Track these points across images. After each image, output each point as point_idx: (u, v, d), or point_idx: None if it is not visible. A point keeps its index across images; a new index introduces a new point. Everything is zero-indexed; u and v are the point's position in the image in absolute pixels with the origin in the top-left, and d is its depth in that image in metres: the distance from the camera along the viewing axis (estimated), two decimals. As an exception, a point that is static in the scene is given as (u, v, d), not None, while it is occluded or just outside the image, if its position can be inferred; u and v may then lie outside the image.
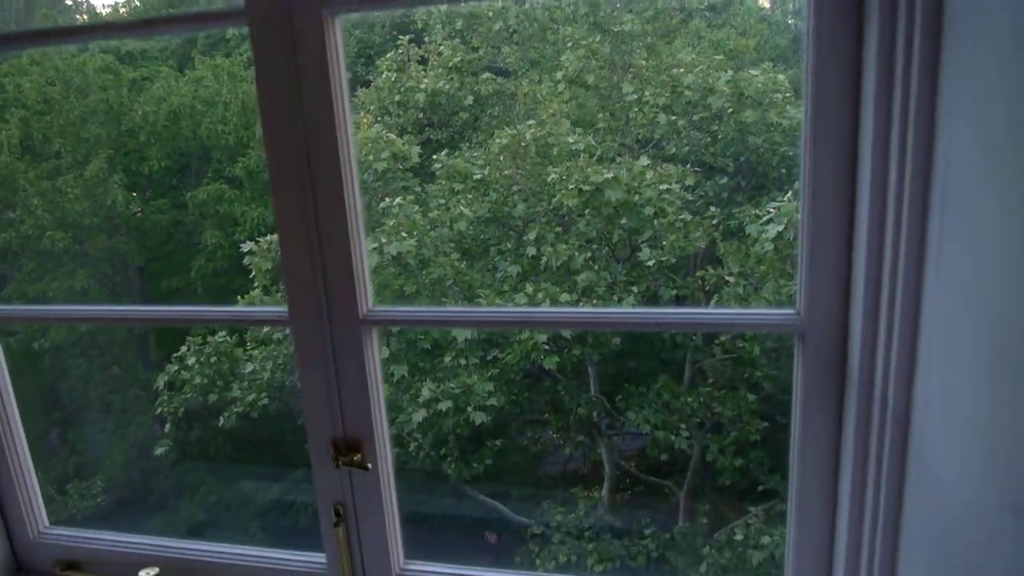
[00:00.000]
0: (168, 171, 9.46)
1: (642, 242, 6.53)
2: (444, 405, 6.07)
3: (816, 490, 1.30)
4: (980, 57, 0.83)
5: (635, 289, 6.44)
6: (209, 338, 7.47)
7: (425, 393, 6.20)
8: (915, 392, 1.04)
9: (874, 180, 1.06)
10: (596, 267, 6.44)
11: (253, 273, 6.92)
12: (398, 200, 6.53)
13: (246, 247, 6.90)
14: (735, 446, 6.60)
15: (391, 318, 1.54)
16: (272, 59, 1.30)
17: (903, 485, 1.09)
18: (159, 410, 7.58)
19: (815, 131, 1.15)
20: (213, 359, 7.33)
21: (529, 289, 6.28)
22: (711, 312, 1.37)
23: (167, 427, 7.62)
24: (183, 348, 7.49)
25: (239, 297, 6.94)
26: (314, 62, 1.28)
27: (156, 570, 1.63)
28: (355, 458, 1.46)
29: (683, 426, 6.59)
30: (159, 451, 7.71)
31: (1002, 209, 0.80)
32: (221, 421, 7.22)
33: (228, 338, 7.47)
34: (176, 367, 7.47)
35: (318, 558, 1.60)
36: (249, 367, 7.09)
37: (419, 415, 6.28)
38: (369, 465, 1.45)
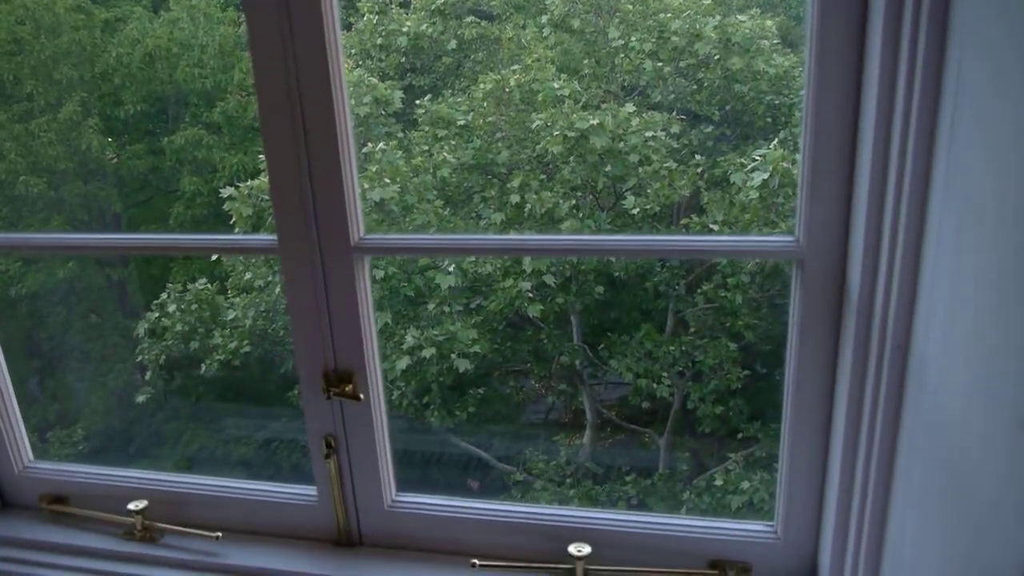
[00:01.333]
0: (144, 115, 9.25)
1: (626, 190, 6.50)
2: (428, 352, 6.08)
3: (811, 416, 1.30)
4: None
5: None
6: (190, 285, 7.41)
7: (409, 340, 6.20)
8: (916, 316, 1.03)
9: (880, 99, 1.04)
10: (580, 215, 6.41)
11: (233, 219, 6.83)
12: (380, 146, 6.44)
13: (225, 192, 6.80)
14: (715, 394, 6.67)
15: (383, 246, 1.51)
16: (258, -27, 1.24)
17: (900, 408, 1.09)
18: (140, 358, 7.53)
19: (820, 51, 1.11)
20: (194, 307, 7.28)
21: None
22: (711, 239, 1.36)
23: (148, 375, 7.59)
24: (163, 295, 7.43)
25: (220, 242, 6.83)
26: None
27: (144, 503, 1.62)
28: (346, 389, 1.44)
29: (665, 374, 6.65)
30: (140, 399, 7.68)
31: (1015, 129, 0.78)
32: (203, 369, 7.19)
33: (209, 285, 7.41)
34: (157, 315, 7.41)
35: (309, 491, 1.59)
36: (231, 314, 7.05)
37: (403, 362, 6.29)
38: (361, 396, 1.44)
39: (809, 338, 1.26)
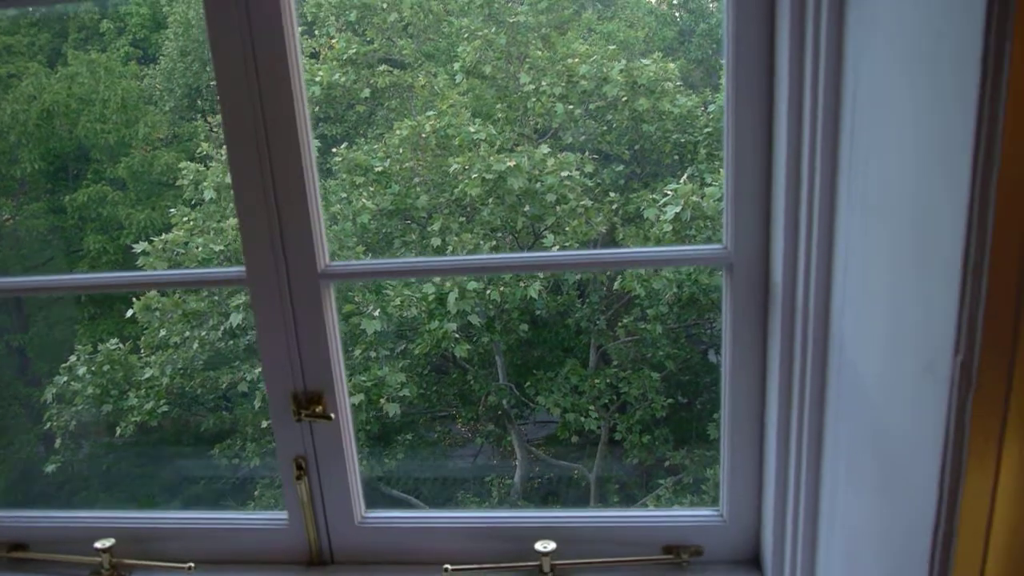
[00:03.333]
0: (43, 173, 8.97)
1: (545, 229, 6.70)
2: (356, 399, 6.06)
3: (746, 407, 1.45)
4: None
5: (541, 275, 6.61)
6: (101, 346, 7.18)
7: (337, 388, 6.15)
8: (833, 300, 1.19)
9: (790, 119, 1.21)
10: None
11: (148, 274, 6.69)
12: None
13: (139, 247, 6.67)
14: (641, 424, 6.87)
15: (350, 271, 1.59)
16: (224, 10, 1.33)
17: (824, 386, 1.24)
18: (48, 425, 7.22)
19: (736, 80, 1.28)
20: (106, 368, 7.05)
21: (437, 278, 6.34)
22: (648, 250, 1.49)
23: (57, 443, 7.27)
24: (72, 358, 7.17)
25: (134, 299, 6.70)
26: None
27: (112, 541, 1.62)
28: (317, 410, 1.51)
29: (591, 407, 6.81)
30: (49, 468, 7.33)
31: (906, 127, 0.94)
32: (118, 431, 6.94)
33: (121, 345, 7.20)
34: (65, 378, 7.14)
35: (279, 515, 1.63)
36: (147, 373, 6.86)
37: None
38: (332, 415, 1.51)
39: (740, 335, 1.42)
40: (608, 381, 6.82)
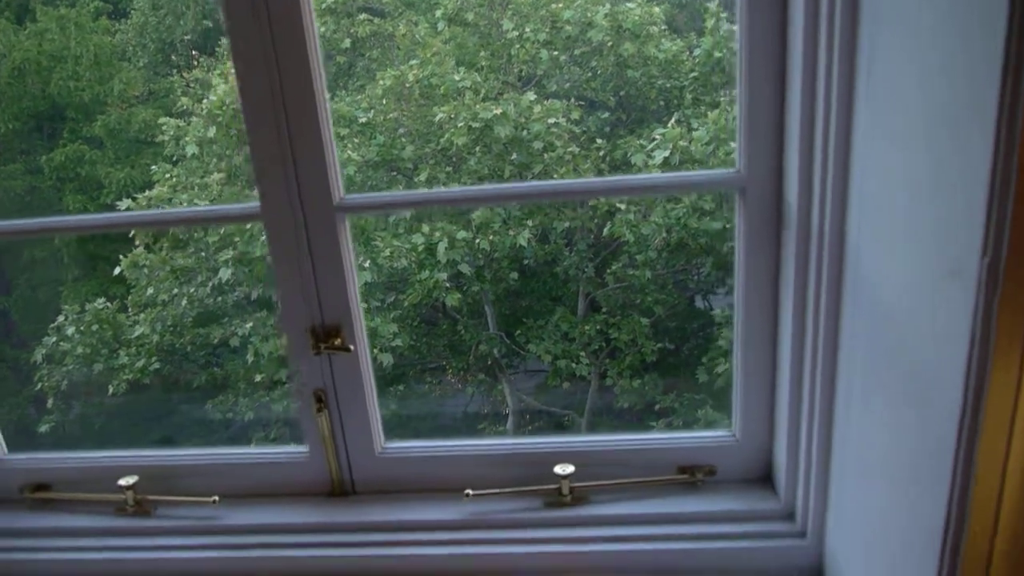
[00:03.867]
0: (17, 133, 8.80)
1: (532, 177, 6.68)
2: (349, 350, 6.07)
3: (759, 328, 1.48)
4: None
5: (530, 223, 6.61)
6: (88, 305, 7.15)
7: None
8: (849, 217, 1.22)
9: (806, 33, 1.21)
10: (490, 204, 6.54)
11: (132, 232, 6.64)
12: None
13: (123, 205, 6.60)
14: (631, 369, 6.95)
15: (366, 203, 1.60)
16: (232, -52, 1.31)
17: (840, 301, 1.27)
18: (39, 386, 7.21)
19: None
20: (95, 327, 7.04)
21: (425, 229, 6.34)
22: (660, 176, 1.49)
23: (49, 403, 7.27)
24: (60, 319, 7.15)
25: (121, 256, 6.65)
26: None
27: (135, 478, 1.65)
28: (335, 342, 1.53)
29: (582, 353, 6.89)
30: (43, 428, 7.34)
31: (933, 28, 0.96)
32: (110, 390, 6.95)
33: (109, 304, 7.17)
34: (54, 339, 7.11)
35: (300, 449, 1.66)
36: (137, 331, 6.85)
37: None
38: (351, 347, 1.53)
39: (753, 257, 1.44)
40: (598, 328, 6.88)
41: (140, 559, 1.59)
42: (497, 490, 1.57)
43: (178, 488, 1.67)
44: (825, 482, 1.41)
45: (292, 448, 1.68)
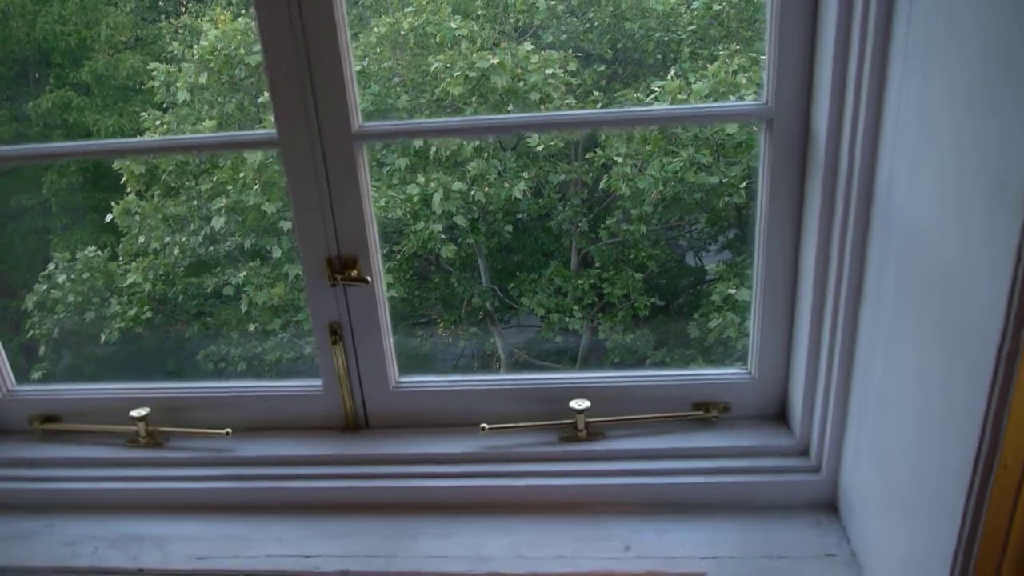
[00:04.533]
0: (2, 79, 8.62)
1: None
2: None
3: (780, 265, 1.47)
4: None
5: (525, 175, 6.57)
6: (79, 253, 7.09)
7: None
8: (881, 147, 1.20)
9: (846, -40, 1.18)
10: (485, 155, 6.49)
11: (124, 179, 6.57)
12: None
13: (114, 151, 6.48)
14: (623, 324, 6.98)
15: (384, 131, 1.57)
16: None
17: (867, 236, 1.26)
18: (30, 333, 7.17)
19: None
20: (85, 275, 6.99)
21: (421, 180, 6.29)
22: (686, 107, 1.47)
23: (41, 351, 7.24)
24: (51, 266, 7.10)
25: (113, 203, 6.58)
26: None
27: (146, 410, 1.64)
28: (352, 274, 1.51)
29: (575, 308, 6.90)
30: (35, 375, 7.32)
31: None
32: (103, 338, 6.93)
33: (99, 252, 7.11)
34: (45, 286, 7.07)
35: (314, 382, 1.65)
36: (129, 279, 6.80)
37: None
38: (368, 278, 1.51)
39: (777, 191, 1.42)
40: (591, 282, 6.89)
41: (153, 489, 1.59)
42: (513, 424, 1.58)
43: (190, 421, 1.66)
44: (842, 419, 1.41)
45: (306, 381, 1.67)
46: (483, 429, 1.56)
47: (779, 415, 1.59)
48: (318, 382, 1.64)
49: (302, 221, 1.49)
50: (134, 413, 1.62)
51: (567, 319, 6.88)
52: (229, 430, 1.60)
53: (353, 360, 1.60)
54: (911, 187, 1.13)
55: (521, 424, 1.58)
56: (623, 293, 6.85)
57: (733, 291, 6.17)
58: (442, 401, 1.63)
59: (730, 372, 1.60)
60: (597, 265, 7.03)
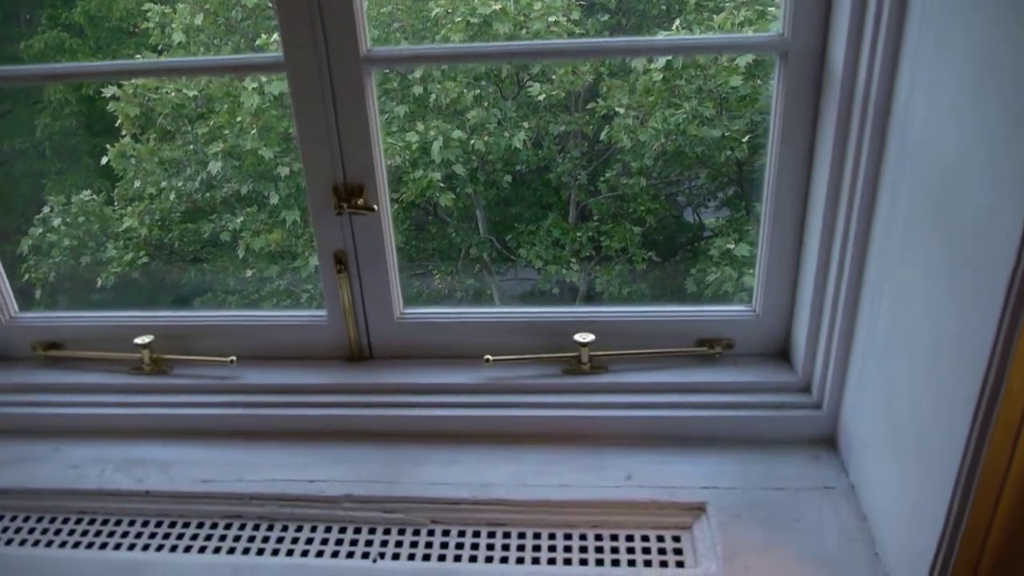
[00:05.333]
0: (-7, 19, 8.47)
1: (530, 78, 6.54)
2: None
3: (789, 201, 1.46)
4: None
5: (525, 125, 6.51)
6: (74, 197, 7.03)
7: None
8: (899, 82, 1.19)
9: None
10: (486, 104, 6.42)
11: (119, 121, 6.48)
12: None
13: (108, 92, 6.40)
14: (621, 278, 6.98)
15: (393, 56, 1.54)
16: None
17: (880, 170, 1.25)
18: (26, 277, 7.15)
19: None
20: (81, 219, 6.94)
21: (420, 127, 6.22)
22: (700, 38, 1.44)
23: (37, 294, 7.23)
24: (46, 210, 7.05)
25: (108, 147, 6.50)
26: None
27: (150, 337, 1.64)
28: (358, 202, 1.50)
29: (573, 260, 6.89)
30: (31, 319, 7.30)
31: None
32: (99, 282, 6.91)
33: (95, 196, 7.06)
34: (40, 230, 7.02)
35: (319, 313, 1.65)
36: (125, 223, 6.76)
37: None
38: (375, 206, 1.50)
39: (789, 126, 1.41)
40: (589, 235, 6.87)
41: (158, 415, 1.60)
42: (517, 356, 1.58)
43: (195, 348, 1.66)
44: (846, 356, 1.42)
45: (311, 312, 1.67)
46: (487, 361, 1.56)
47: (782, 352, 1.60)
48: (322, 312, 1.64)
49: (309, 147, 1.48)
50: (138, 340, 1.63)
51: (564, 271, 6.88)
52: (234, 358, 1.61)
53: (358, 290, 1.60)
54: (928, 119, 1.11)
55: (525, 356, 1.59)
56: (621, 247, 6.83)
57: (731, 246, 6.16)
58: (447, 333, 1.64)
59: (734, 309, 1.60)
60: (595, 218, 7.00)
